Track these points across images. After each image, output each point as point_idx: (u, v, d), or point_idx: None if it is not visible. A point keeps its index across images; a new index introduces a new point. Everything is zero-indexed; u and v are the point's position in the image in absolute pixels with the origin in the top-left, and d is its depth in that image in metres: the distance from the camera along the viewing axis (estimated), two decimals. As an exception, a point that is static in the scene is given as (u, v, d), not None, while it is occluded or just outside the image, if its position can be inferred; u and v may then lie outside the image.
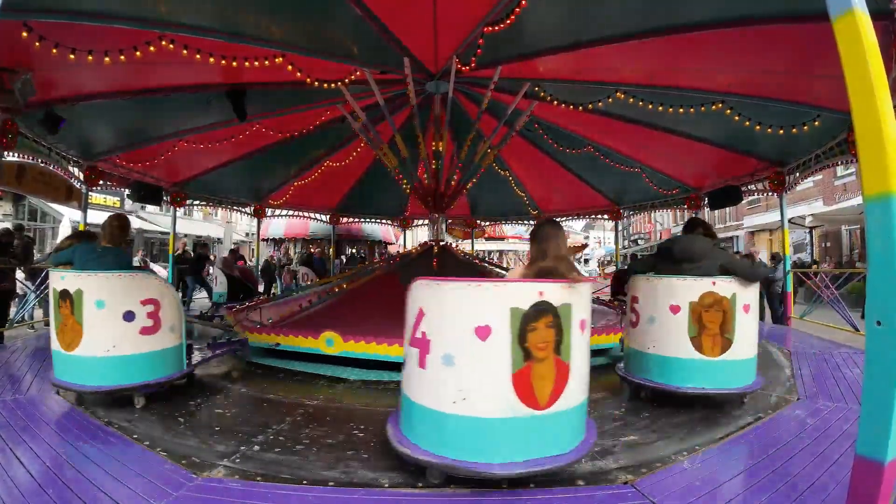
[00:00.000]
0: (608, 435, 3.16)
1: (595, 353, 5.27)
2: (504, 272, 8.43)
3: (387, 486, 2.42)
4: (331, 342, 4.94)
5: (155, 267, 14.36)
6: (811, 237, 19.54)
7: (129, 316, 3.55)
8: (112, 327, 3.51)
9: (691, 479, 2.45)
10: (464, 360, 2.27)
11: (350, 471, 2.60)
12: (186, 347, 4.09)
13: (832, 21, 1.75)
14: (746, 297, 3.70)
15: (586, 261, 27.88)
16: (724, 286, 3.64)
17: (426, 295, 2.47)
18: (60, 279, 3.60)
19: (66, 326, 3.54)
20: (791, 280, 8.07)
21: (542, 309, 2.29)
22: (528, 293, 2.29)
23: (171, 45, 4.64)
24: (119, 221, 4.06)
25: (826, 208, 17.39)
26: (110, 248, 3.89)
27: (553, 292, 2.32)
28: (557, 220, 4.44)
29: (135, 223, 22.48)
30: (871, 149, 1.64)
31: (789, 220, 8.52)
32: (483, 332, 2.23)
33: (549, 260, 2.55)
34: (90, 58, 4.58)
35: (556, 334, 2.33)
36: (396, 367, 4.79)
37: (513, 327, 2.24)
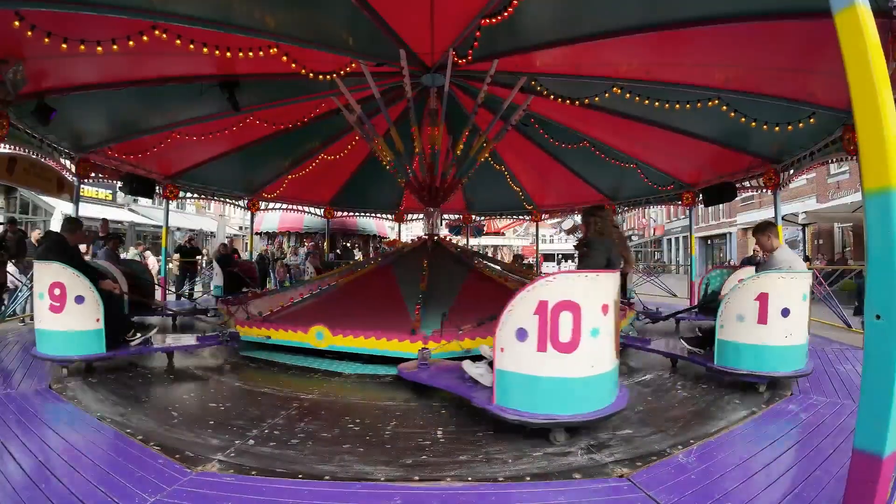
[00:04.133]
0: (603, 429, 3.16)
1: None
2: (498, 268, 8.42)
3: (382, 479, 2.42)
4: (321, 335, 4.94)
5: (150, 259, 14.25)
6: (804, 234, 19.67)
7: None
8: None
9: (686, 473, 2.46)
10: None
11: (346, 465, 2.59)
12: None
13: (833, 15, 1.74)
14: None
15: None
16: None
17: None
18: None
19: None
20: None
21: None
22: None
23: (165, 35, 4.57)
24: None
25: (819, 206, 17.51)
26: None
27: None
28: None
29: (127, 217, 22.37)
30: (872, 143, 1.63)
31: (783, 218, 8.54)
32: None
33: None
34: (82, 47, 4.51)
35: None
36: (393, 361, 4.81)
37: None
